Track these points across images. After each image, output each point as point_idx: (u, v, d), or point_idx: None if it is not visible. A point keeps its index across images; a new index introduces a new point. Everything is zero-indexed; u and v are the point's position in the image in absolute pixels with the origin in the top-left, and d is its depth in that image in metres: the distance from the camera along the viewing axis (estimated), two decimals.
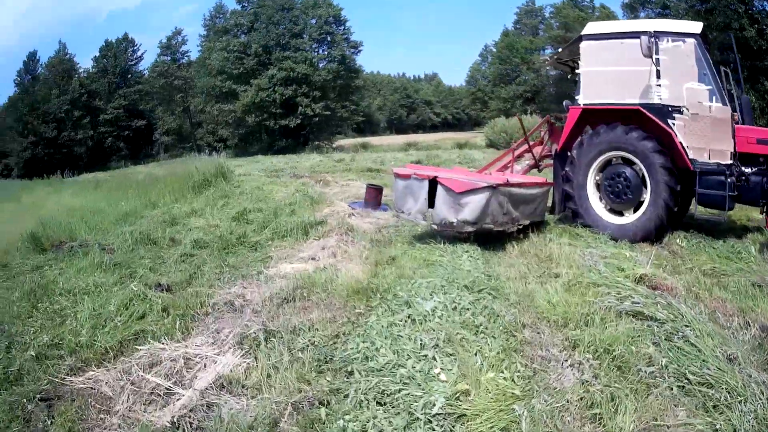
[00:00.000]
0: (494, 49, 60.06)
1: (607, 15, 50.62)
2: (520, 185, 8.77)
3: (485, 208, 7.75)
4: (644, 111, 8.23)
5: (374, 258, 7.85)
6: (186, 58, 56.57)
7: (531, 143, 11.70)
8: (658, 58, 8.09)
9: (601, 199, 9.09)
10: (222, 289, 6.83)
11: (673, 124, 8.19)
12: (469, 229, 7.91)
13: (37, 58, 58.29)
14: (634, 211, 8.71)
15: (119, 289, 6.50)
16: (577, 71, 8.99)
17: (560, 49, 10.79)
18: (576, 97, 9.02)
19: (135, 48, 60.58)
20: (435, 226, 8.12)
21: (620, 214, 8.92)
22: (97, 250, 8.43)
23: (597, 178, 9.11)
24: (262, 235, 9.89)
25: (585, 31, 8.89)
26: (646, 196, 8.50)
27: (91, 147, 55.66)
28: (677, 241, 8.72)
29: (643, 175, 8.47)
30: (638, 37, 8.00)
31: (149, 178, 18.09)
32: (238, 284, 7.04)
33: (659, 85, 8.21)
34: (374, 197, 12.91)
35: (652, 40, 7.96)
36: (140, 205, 13.62)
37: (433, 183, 8.15)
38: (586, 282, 6.30)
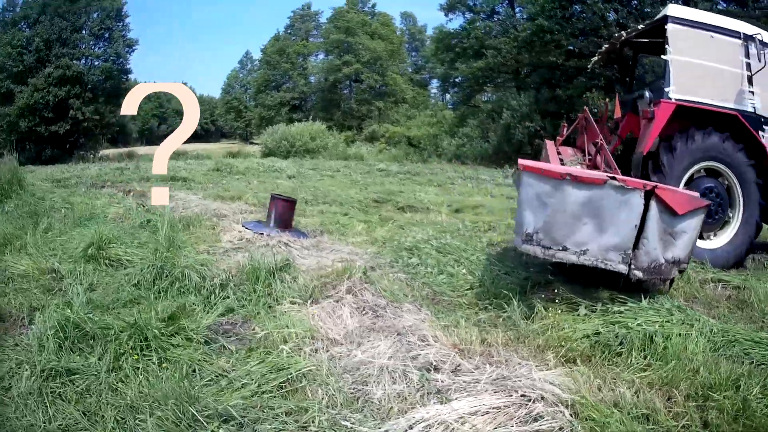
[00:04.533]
0: (260, 55, 57.75)
1: (410, 15, 53.71)
2: None
3: (695, 238, 4.99)
4: (741, 118, 7.12)
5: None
6: None
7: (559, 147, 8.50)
8: (749, 63, 7.27)
9: None
10: None
11: (763, 137, 7.28)
12: (675, 274, 4.97)
13: None
14: (714, 234, 7.44)
15: None
16: (663, 57, 7.33)
17: (633, 30, 8.54)
18: (666, 90, 7.14)
19: None
20: (639, 275, 4.74)
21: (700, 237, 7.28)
22: None
23: None
24: (196, 311, 4.61)
25: (670, 12, 7.33)
26: (735, 216, 7.38)
27: None
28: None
29: (730, 191, 7.31)
30: (727, 35, 7.34)
31: None
32: None
33: (752, 92, 7.32)
34: (288, 215, 8.38)
35: (744, 43, 7.32)
36: None
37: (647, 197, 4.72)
38: None
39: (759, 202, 7.23)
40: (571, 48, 23.96)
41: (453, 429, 2.96)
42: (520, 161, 4.98)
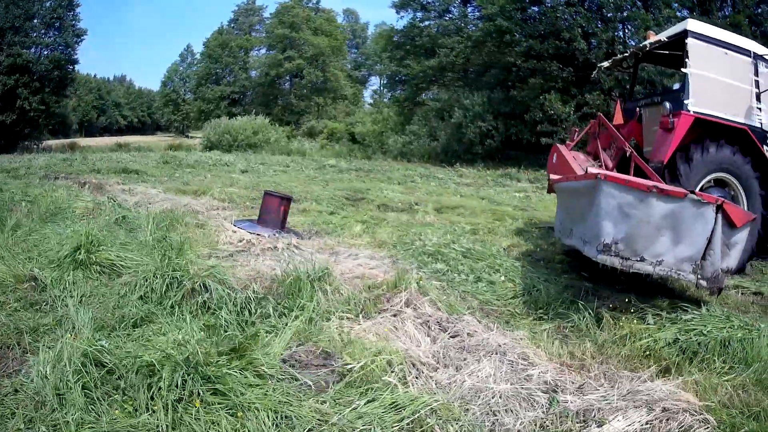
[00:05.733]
0: (202, 48, 56.86)
1: (353, 12, 53.92)
2: None
3: (743, 248, 5.27)
4: (750, 133, 7.34)
5: None
6: None
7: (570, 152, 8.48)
8: (758, 81, 7.57)
9: None
10: None
11: (766, 151, 7.50)
12: (725, 282, 5.23)
13: None
14: None
15: None
16: (683, 70, 7.40)
17: (654, 40, 8.09)
18: (685, 102, 7.22)
19: None
20: (703, 284, 4.80)
21: None
22: None
23: None
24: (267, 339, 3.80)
25: (690, 27, 7.41)
26: None
27: None
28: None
29: (736, 202, 7.44)
30: (740, 52, 7.56)
31: None
32: None
33: (759, 109, 7.59)
34: (283, 214, 7.87)
35: (754, 61, 7.57)
36: None
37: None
38: None
39: (762, 212, 7.39)
40: (529, 50, 23.97)
41: None
42: (598, 171, 5.03)
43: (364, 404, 2.97)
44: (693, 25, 7.47)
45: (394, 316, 4.43)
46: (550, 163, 8.46)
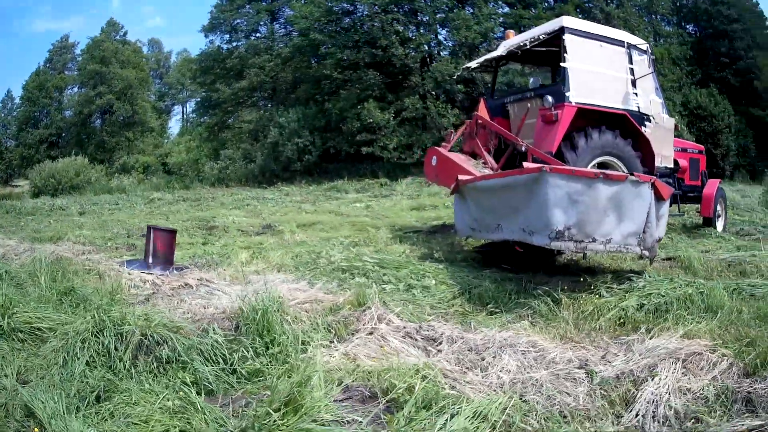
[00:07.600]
0: (21, 93, 51.28)
1: (157, 42, 51.92)
2: None
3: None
4: (630, 117, 7.96)
5: None
6: None
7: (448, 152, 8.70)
8: (632, 68, 8.26)
9: None
10: None
11: (645, 132, 8.21)
12: (657, 251, 5.82)
13: None
14: None
15: None
16: (562, 65, 7.83)
17: (535, 39, 8.33)
18: (566, 94, 7.68)
19: None
20: (646, 254, 5.46)
21: None
22: None
23: None
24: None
25: (566, 24, 7.91)
26: None
27: None
28: None
29: None
30: (614, 43, 8.14)
31: None
32: None
33: (636, 94, 8.27)
34: (171, 249, 7.27)
35: (628, 51, 8.23)
36: None
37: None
38: None
39: None
40: (339, 60, 24.30)
41: (683, 389, 3.15)
42: (540, 165, 5.34)
43: (450, 421, 2.82)
44: (568, 21, 7.96)
45: (370, 334, 4.28)
46: (427, 166, 8.70)
